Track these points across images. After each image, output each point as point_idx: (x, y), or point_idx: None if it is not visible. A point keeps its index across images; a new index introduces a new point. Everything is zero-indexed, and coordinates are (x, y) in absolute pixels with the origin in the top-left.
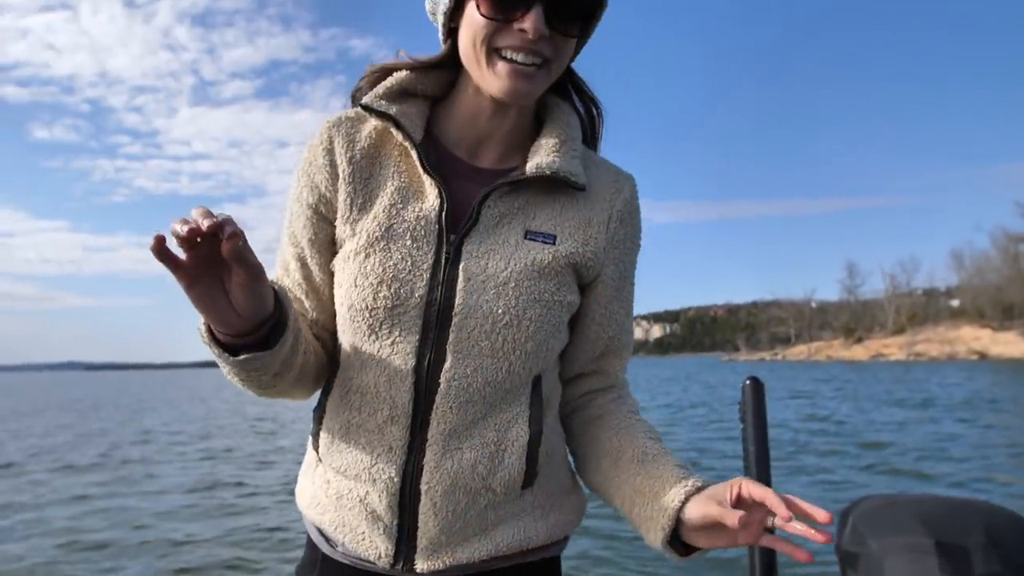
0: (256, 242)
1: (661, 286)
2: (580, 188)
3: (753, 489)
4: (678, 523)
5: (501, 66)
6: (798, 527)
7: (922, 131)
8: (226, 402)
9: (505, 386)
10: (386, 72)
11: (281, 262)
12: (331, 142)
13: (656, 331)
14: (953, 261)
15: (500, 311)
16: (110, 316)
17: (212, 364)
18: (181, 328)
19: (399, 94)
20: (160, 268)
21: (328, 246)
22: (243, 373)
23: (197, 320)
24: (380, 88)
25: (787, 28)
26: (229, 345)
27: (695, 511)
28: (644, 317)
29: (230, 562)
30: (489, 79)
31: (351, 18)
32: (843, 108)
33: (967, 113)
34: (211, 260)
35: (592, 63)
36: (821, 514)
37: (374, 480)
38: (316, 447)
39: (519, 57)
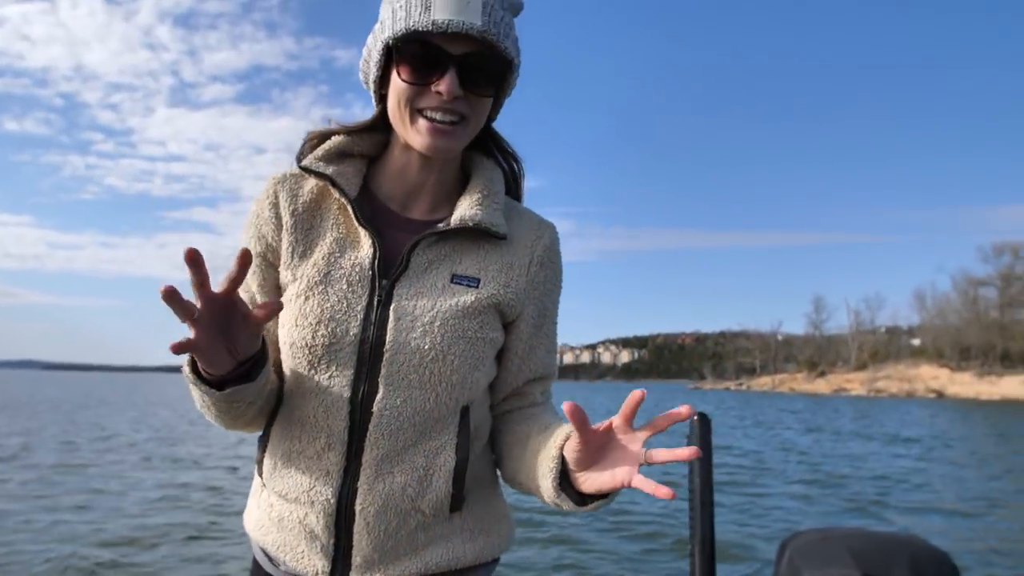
0: (226, 247)
1: (631, 312)
2: (501, 237)
3: (620, 419)
4: (565, 465)
5: (422, 123)
6: (661, 455)
7: (896, 171)
8: (193, 409)
9: (434, 415)
10: (324, 137)
11: None
12: (276, 196)
13: (624, 356)
14: (916, 301)
15: (427, 347)
16: (71, 315)
17: (175, 369)
18: (144, 331)
19: (337, 156)
20: (125, 270)
21: (275, 290)
22: (224, 404)
23: (167, 344)
24: (319, 151)
25: (765, 67)
26: (214, 381)
27: (571, 445)
28: (613, 342)
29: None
30: (413, 136)
31: (337, 28)
32: (820, 144)
33: (939, 155)
34: (220, 326)
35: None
36: (683, 411)
37: (312, 502)
38: (260, 473)
39: (438, 116)
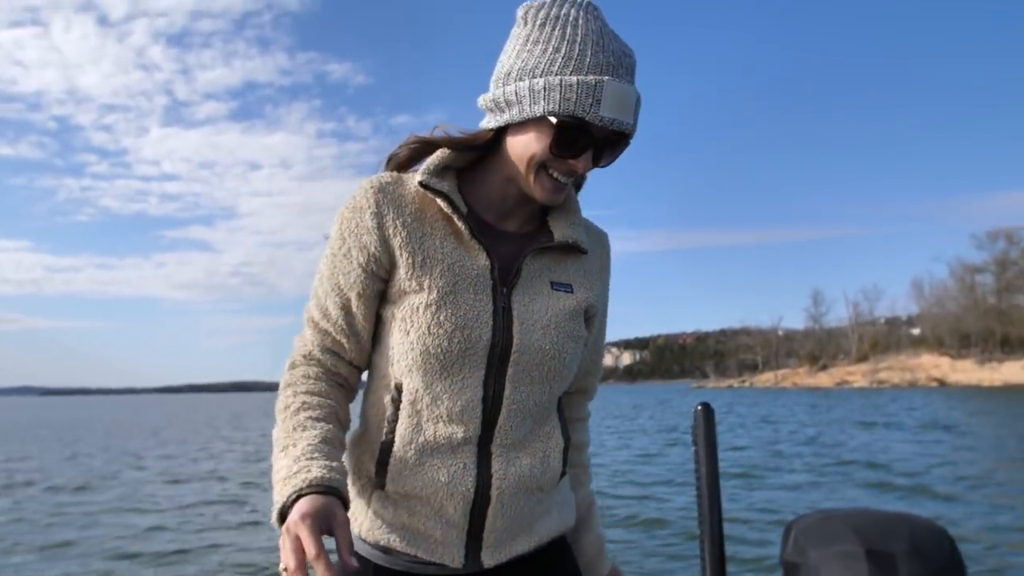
0: (224, 264)
1: (632, 313)
2: (585, 252)
3: None
4: None
5: (546, 180)
6: None
7: (886, 163)
8: (210, 426)
9: (546, 406)
10: (427, 145)
11: (319, 307)
12: (378, 206)
13: (626, 358)
14: (914, 290)
15: (548, 347)
16: (69, 339)
17: (172, 390)
18: (140, 353)
19: (442, 170)
20: (123, 291)
21: (374, 298)
22: None
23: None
24: (430, 165)
25: (752, 57)
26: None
27: None
28: (615, 344)
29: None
30: (533, 187)
31: (329, 42)
32: (812, 139)
33: (929, 147)
34: None
35: None
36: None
37: (452, 494)
38: (380, 474)
39: (562, 179)
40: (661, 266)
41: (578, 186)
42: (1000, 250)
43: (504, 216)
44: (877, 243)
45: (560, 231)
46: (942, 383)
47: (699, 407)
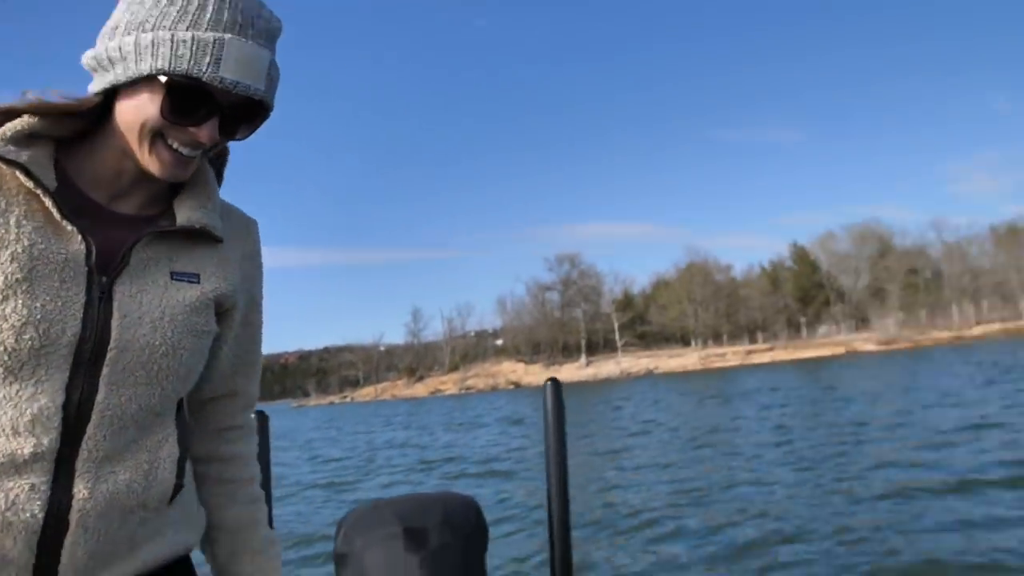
0: None
1: None
2: (219, 240)
3: None
4: None
5: (164, 153)
6: None
7: (488, 193)
8: None
9: (156, 410)
10: (8, 114)
11: None
12: None
13: None
14: (499, 307)
15: (158, 343)
16: None
17: None
18: None
19: (26, 138)
20: None
21: None
22: None
23: None
24: (5, 131)
25: (366, 83)
26: None
27: None
28: None
29: None
30: (148, 160)
31: None
32: (415, 172)
33: (523, 181)
34: None
35: None
36: None
37: (9, 524)
38: None
39: (185, 151)
40: (269, 285)
41: (220, 163)
42: (565, 272)
43: (119, 195)
44: (472, 264)
45: (185, 214)
46: (518, 385)
47: (252, 415)
